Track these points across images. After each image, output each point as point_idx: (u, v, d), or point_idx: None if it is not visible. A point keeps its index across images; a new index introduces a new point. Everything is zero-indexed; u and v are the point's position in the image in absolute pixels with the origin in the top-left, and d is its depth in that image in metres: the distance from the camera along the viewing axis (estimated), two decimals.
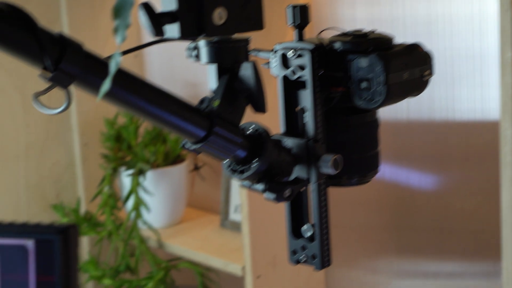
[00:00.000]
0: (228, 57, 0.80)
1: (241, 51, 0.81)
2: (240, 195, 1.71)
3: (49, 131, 2.22)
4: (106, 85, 0.61)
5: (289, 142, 0.82)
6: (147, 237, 2.00)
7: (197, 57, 0.82)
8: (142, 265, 2.03)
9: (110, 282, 2.01)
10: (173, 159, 2.04)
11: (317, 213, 0.82)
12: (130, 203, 1.99)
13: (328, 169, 0.80)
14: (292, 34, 0.84)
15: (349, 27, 0.86)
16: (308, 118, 0.81)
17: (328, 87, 0.82)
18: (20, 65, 2.11)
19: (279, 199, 0.80)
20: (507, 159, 1.24)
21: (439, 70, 0.84)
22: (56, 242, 0.70)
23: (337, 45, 0.82)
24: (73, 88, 0.70)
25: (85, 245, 2.18)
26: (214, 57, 0.80)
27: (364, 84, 0.80)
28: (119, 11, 0.59)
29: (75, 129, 2.18)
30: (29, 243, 0.69)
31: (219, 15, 0.76)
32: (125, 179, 2.02)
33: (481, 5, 1.56)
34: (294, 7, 0.82)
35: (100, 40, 2.14)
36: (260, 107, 0.79)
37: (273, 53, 0.84)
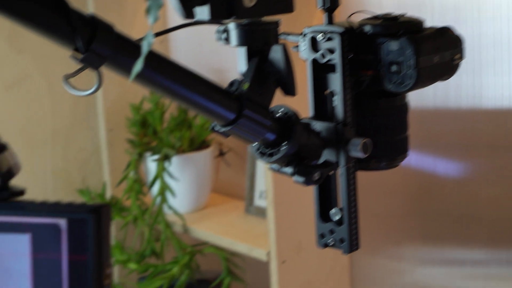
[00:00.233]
0: (258, 40, 0.80)
1: (271, 34, 0.80)
2: (265, 181, 1.71)
3: (75, 117, 2.24)
4: (138, 65, 0.61)
5: (318, 125, 0.82)
6: (172, 222, 2.01)
7: (227, 40, 0.82)
8: (167, 249, 2.04)
9: (136, 267, 2.02)
10: (198, 145, 2.05)
11: (346, 197, 0.82)
12: (156, 188, 2.00)
13: (357, 153, 0.80)
14: (321, 18, 0.84)
15: (376, 13, 0.85)
16: (338, 102, 0.81)
17: (357, 70, 0.82)
18: (46, 51, 2.14)
19: (308, 182, 0.80)
20: None
21: (466, 57, 0.84)
22: (89, 221, 0.70)
23: (367, 28, 0.81)
24: (104, 70, 0.70)
25: (111, 230, 2.19)
26: (244, 40, 0.80)
27: (394, 68, 0.79)
28: None
29: (101, 114, 2.19)
30: (62, 222, 0.69)
31: None
32: (151, 164, 2.03)
33: None
34: None
35: (126, 23, 2.14)
36: (290, 90, 0.79)
37: (302, 37, 0.84)
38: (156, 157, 2.00)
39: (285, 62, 0.78)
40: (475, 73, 1.61)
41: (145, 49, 0.60)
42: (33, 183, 2.17)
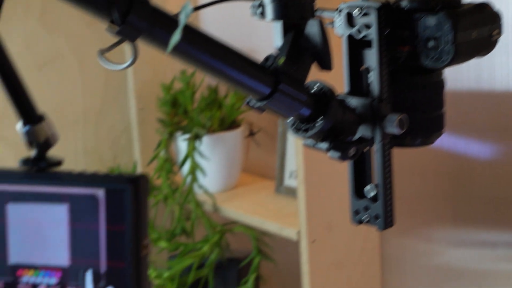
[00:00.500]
0: (294, 14, 0.79)
1: (307, 8, 0.80)
2: (296, 160, 1.71)
3: (106, 96, 2.25)
4: (176, 37, 0.61)
5: (354, 101, 0.82)
6: (203, 201, 2.01)
7: (262, 14, 0.81)
8: (197, 228, 2.05)
9: (166, 245, 2.03)
10: (228, 125, 2.05)
11: (381, 173, 0.82)
12: (186, 167, 2.01)
13: (393, 129, 0.79)
14: None
15: None
16: (373, 78, 0.81)
17: (394, 46, 0.81)
18: (77, 30, 2.14)
19: (343, 157, 0.79)
20: None
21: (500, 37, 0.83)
22: (127, 192, 0.70)
23: (404, 3, 0.81)
24: (139, 43, 0.70)
25: (148, 201, 2.20)
26: (280, 14, 0.79)
27: (431, 43, 0.79)
28: None
29: (131, 93, 2.20)
30: (100, 192, 0.69)
31: None
32: (181, 143, 2.03)
33: None
34: None
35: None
36: (326, 64, 0.79)
37: (338, 12, 0.83)
38: (186, 136, 2.01)
39: (321, 36, 0.78)
40: (509, 54, 1.60)
41: (183, 19, 0.59)
42: (64, 161, 2.18)
